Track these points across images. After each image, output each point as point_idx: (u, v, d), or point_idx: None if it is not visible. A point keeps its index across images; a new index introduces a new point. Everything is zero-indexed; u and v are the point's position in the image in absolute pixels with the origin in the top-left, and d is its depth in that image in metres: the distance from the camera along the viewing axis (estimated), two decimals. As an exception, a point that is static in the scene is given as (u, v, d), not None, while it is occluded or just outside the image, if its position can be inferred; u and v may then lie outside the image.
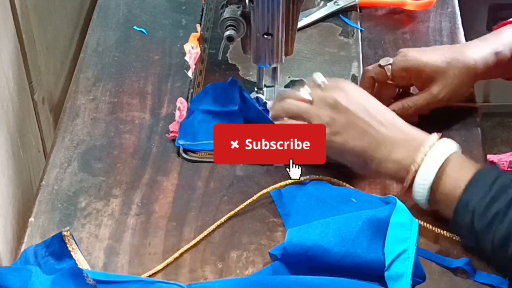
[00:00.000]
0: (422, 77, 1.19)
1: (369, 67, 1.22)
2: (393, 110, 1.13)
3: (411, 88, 1.23)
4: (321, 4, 1.43)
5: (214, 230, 1.09)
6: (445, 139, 1.07)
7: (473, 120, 1.23)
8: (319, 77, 1.14)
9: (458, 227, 1.04)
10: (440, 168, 1.04)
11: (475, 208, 1.01)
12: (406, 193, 1.07)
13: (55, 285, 0.98)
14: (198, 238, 1.07)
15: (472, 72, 1.19)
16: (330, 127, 1.09)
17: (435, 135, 1.07)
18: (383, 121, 1.09)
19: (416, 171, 1.05)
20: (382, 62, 1.20)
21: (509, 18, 1.24)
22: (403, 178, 1.06)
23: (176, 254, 1.05)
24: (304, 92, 1.13)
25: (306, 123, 1.11)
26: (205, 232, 1.08)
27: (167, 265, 1.05)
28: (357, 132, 1.08)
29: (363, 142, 1.08)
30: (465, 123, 1.23)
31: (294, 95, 1.14)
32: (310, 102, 1.12)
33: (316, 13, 1.41)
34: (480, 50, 1.19)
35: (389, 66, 1.19)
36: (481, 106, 1.26)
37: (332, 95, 1.11)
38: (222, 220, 1.09)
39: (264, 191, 1.11)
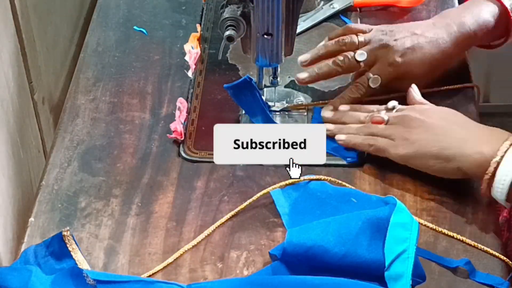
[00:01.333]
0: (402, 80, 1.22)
1: (343, 58, 1.22)
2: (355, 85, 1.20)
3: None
4: (321, 4, 1.43)
5: (214, 230, 1.09)
6: None
7: (473, 120, 1.23)
8: (391, 103, 1.18)
9: None
10: None
11: None
12: (486, 190, 1.07)
13: (55, 285, 0.98)
14: (198, 239, 1.07)
15: (442, 50, 1.22)
16: (409, 137, 1.12)
17: None
18: (462, 123, 1.12)
19: (498, 163, 1.05)
20: (359, 57, 1.21)
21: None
22: (483, 173, 1.06)
23: (176, 254, 1.05)
24: (382, 113, 1.17)
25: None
26: (206, 232, 1.08)
27: (167, 265, 1.05)
28: (435, 135, 1.10)
29: (443, 143, 1.09)
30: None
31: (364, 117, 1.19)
32: (386, 123, 1.16)
33: (313, 17, 1.41)
34: (449, 26, 1.22)
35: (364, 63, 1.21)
36: (478, 85, 1.28)
37: (408, 114, 1.14)
38: (222, 220, 1.09)
39: (265, 191, 1.11)
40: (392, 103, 1.18)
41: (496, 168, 1.05)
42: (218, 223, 1.09)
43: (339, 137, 1.18)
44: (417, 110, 1.15)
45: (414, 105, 1.18)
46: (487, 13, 1.23)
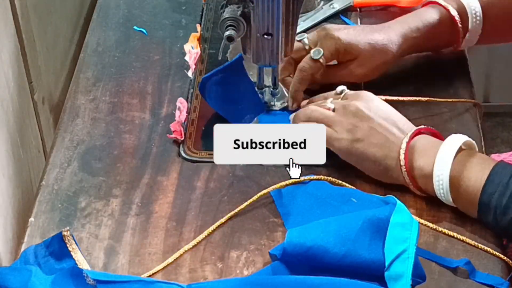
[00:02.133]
0: (344, 56, 1.23)
1: (304, 65, 1.22)
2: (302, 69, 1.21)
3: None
4: (321, 4, 1.43)
5: (214, 230, 1.09)
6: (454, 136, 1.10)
7: (473, 120, 1.23)
8: (340, 87, 1.18)
9: (484, 224, 1.07)
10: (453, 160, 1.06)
11: (496, 208, 1.04)
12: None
13: (55, 285, 0.98)
14: (198, 239, 1.07)
15: (391, 56, 1.24)
16: (352, 134, 1.12)
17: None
18: (404, 129, 1.12)
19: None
20: (314, 55, 1.21)
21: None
22: (424, 186, 1.09)
23: (176, 255, 1.05)
24: (328, 102, 1.16)
25: None
26: (205, 233, 1.08)
27: (167, 265, 1.05)
28: (378, 139, 1.11)
29: (385, 150, 1.10)
30: (465, 123, 1.23)
31: (317, 105, 1.18)
32: (333, 110, 1.15)
33: (313, 17, 1.41)
34: (398, 33, 1.24)
35: (323, 57, 1.21)
36: (479, 103, 1.27)
37: (354, 103, 1.13)
38: (222, 220, 1.09)
39: (265, 191, 1.11)
40: (341, 87, 1.18)
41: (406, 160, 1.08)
42: (218, 223, 1.09)
43: (291, 116, 1.21)
44: (363, 100, 1.14)
45: (360, 92, 1.17)
46: (432, 19, 1.25)
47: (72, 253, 1.03)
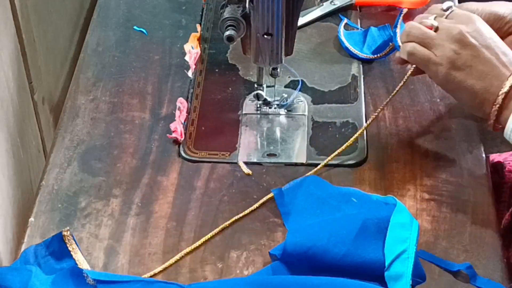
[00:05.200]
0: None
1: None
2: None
3: None
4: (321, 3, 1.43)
5: (214, 231, 1.09)
6: None
7: (473, 120, 1.23)
8: (447, 3, 1.11)
9: None
10: None
11: None
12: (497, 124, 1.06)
13: (55, 285, 0.98)
14: (199, 242, 1.06)
15: None
16: (452, 60, 1.06)
17: None
18: (508, 62, 1.05)
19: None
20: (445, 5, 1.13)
21: None
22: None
23: (177, 257, 1.05)
24: (431, 19, 1.10)
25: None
26: (207, 236, 1.07)
27: (167, 266, 1.05)
28: (479, 71, 1.05)
29: (484, 83, 1.05)
30: (465, 123, 1.23)
31: (419, 21, 1.11)
32: (436, 30, 1.09)
33: (312, 13, 1.41)
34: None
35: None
36: None
37: (459, 27, 1.07)
38: (227, 224, 1.09)
39: (270, 195, 1.10)
40: (448, 3, 1.11)
41: (504, 99, 1.03)
42: (221, 227, 1.08)
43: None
44: (470, 24, 1.07)
45: (468, 13, 1.09)
46: None
47: (72, 253, 1.03)
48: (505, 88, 1.03)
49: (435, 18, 1.10)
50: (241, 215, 1.10)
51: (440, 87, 1.11)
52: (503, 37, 1.11)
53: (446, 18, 1.10)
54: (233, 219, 1.09)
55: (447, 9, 1.11)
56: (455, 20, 1.09)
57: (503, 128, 1.05)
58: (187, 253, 1.06)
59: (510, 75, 1.04)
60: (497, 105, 1.04)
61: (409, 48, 1.11)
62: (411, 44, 1.11)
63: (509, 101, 1.04)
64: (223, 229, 1.09)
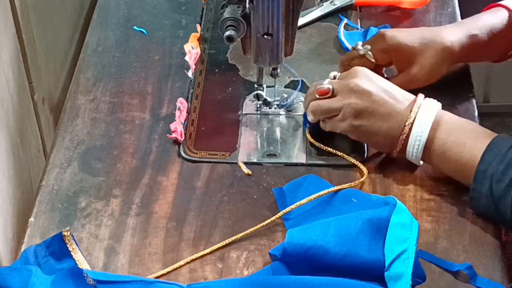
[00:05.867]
0: (400, 57, 1.23)
1: (348, 57, 1.25)
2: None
3: (383, 69, 1.27)
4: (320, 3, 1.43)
5: (214, 230, 1.09)
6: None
7: (473, 120, 1.23)
8: (333, 73, 1.18)
9: (477, 194, 1.06)
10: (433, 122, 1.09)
11: (492, 175, 1.04)
12: (400, 151, 1.12)
13: (55, 285, 0.98)
14: (205, 251, 1.06)
15: (449, 53, 1.22)
16: (355, 112, 1.12)
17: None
18: (403, 101, 1.12)
19: (412, 124, 1.10)
20: (361, 51, 1.23)
21: None
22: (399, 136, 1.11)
23: (182, 262, 1.05)
24: (325, 83, 1.16)
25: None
26: (215, 247, 1.06)
27: (168, 267, 1.05)
28: (381, 113, 1.11)
29: (390, 122, 1.11)
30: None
31: (313, 90, 1.16)
32: (333, 92, 1.14)
33: (312, 13, 1.41)
34: (457, 33, 1.22)
35: (370, 53, 1.23)
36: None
37: (352, 81, 1.13)
38: (238, 236, 1.08)
39: (280, 213, 1.09)
40: (333, 73, 1.18)
41: (410, 129, 1.09)
42: (230, 239, 1.07)
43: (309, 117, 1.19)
44: (360, 76, 1.14)
45: (354, 68, 1.17)
46: (495, 23, 1.23)
47: (72, 253, 1.03)
48: (411, 119, 1.10)
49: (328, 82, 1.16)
50: (250, 230, 1.09)
51: (356, 139, 1.16)
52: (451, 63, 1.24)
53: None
54: (243, 233, 1.09)
55: (334, 77, 1.18)
56: (346, 77, 1.15)
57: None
58: (187, 253, 1.06)
59: (412, 107, 1.10)
60: (404, 135, 1.11)
61: (322, 125, 1.17)
62: (321, 123, 1.17)
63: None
64: (223, 230, 1.09)
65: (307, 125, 1.20)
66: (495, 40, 1.23)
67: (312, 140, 1.19)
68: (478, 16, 1.25)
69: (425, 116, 1.10)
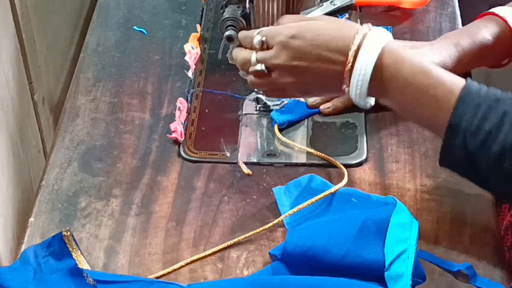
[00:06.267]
0: None
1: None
2: (325, 110, 1.22)
3: None
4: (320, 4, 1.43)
5: (214, 230, 1.09)
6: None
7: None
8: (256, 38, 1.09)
9: (450, 149, 1.00)
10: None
11: (466, 129, 0.98)
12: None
13: (55, 285, 0.98)
14: (205, 253, 1.06)
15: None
16: (292, 56, 1.05)
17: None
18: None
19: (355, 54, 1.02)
20: None
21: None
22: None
23: (182, 263, 1.05)
24: (257, 36, 1.08)
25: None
26: (215, 248, 1.06)
27: (168, 267, 1.05)
28: (318, 80, 1.05)
29: (327, 87, 1.07)
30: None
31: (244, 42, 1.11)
32: (264, 45, 1.07)
33: (312, 13, 1.41)
34: (447, 49, 1.20)
35: None
36: None
37: (278, 28, 1.06)
38: (241, 238, 1.08)
39: (282, 217, 1.08)
40: (257, 38, 1.07)
41: (354, 60, 1.02)
42: (232, 241, 1.07)
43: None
44: (286, 30, 1.05)
45: (279, 21, 1.09)
46: (486, 33, 1.20)
47: (72, 253, 1.03)
48: (357, 39, 1.02)
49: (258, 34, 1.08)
50: (252, 232, 1.09)
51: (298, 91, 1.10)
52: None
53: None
54: (244, 236, 1.09)
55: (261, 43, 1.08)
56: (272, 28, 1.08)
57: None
58: (187, 253, 1.06)
59: (356, 32, 1.02)
60: (349, 64, 1.02)
61: (249, 80, 1.10)
62: (249, 78, 1.10)
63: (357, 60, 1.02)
64: (223, 230, 1.09)
65: (276, 123, 1.21)
66: (486, 51, 1.21)
67: (281, 136, 1.19)
68: (469, 28, 1.22)
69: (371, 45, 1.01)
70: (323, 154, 1.16)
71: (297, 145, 1.18)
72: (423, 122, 1.06)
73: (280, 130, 1.21)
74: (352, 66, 1.02)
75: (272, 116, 1.23)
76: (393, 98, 1.03)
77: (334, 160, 1.16)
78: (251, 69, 1.09)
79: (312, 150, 1.17)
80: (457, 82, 1.00)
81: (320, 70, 1.05)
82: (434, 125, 1.02)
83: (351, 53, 1.02)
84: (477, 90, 1.00)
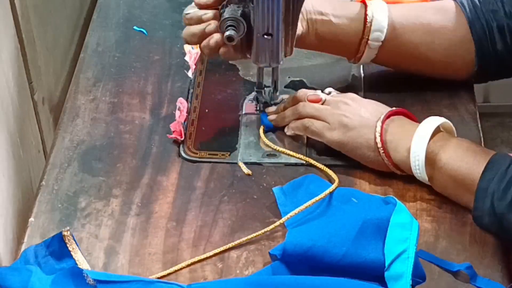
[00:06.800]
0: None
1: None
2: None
3: None
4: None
5: (214, 230, 1.09)
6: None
7: (473, 120, 1.23)
8: (328, 89, 1.22)
9: (480, 212, 1.06)
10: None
11: (494, 193, 1.04)
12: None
13: (55, 285, 0.98)
14: (206, 255, 1.06)
15: None
16: (344, 124, 1.14)
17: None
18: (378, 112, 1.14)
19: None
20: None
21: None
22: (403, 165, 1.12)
23: (183, 264, 1.05)
24: (319, 93, 1.19)
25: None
26: (216, 250, 1.06)
27: (167, 266, 1.05)
28: (371, 128, 1.12)
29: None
30: (465, 123, 1.23)
31: (301, 95, 1.20)
32: (323, 103, 1.17)
33: None
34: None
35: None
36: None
37: (342, 99, 1.17)
38: (243, 240, 1.07)
39: (283, 219, 1.08)
40: (329, 89, 1.22)
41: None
42: (233, 243, 1.07)
43: (272, 116, 1.21)
44: (351, 97, 1.17)
45: (347, 93, 1.19)
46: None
47: (72, 253, 1.03)
48: (378, 131, 1.11)
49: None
50: (253, 234, 1.10)
51: (340, 150, 1.15)
52: None
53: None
54: (245, 238, 1.09)
55: (329, 93, 1.21)
56: (338, 98, 1.18)
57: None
58: (187, 253, 1.06)
59: (377, 120, 1.12)
60: (381, 149, 1.11)
61: (306, 123, 1.17)
62: (307, 120, 1.17)
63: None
64: (223, 230, 1.09)
65: (262, 125, 1.22)
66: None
67: (265, 139, 1.20)
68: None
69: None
70: (302, 156, 1.17)
71: (279, 148, 1.19)
72: (451, 190, 1.11)
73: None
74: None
75: (261, 117, 1.23)
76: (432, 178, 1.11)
77: (315, 162, 1.17)
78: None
79: (293, 153, 1.17)
80: (486, 151, 1.09)
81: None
82: (460, 189, 1.09)
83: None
84: (503, 158, 1.07)
